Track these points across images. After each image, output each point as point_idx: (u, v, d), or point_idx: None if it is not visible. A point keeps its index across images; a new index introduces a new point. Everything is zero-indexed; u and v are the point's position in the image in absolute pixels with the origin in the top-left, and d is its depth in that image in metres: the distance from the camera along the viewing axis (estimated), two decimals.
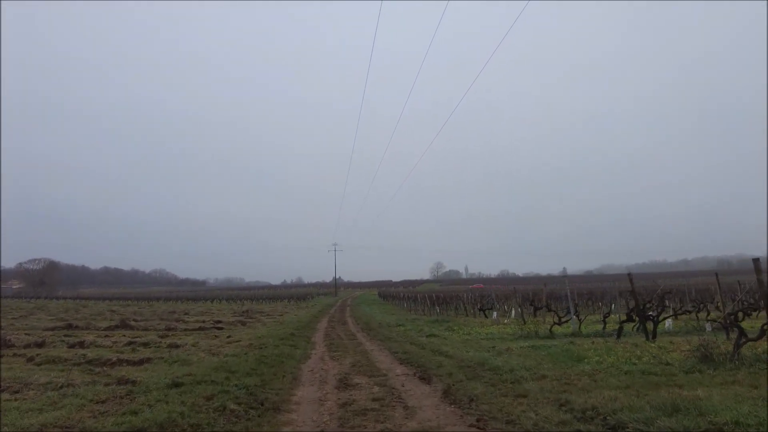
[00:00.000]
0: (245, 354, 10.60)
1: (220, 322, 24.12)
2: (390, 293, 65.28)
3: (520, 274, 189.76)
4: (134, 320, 25.44)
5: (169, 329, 19.15)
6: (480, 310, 24.30)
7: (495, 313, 25.18)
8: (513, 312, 27.13)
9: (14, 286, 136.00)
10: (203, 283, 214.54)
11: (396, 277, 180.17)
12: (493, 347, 11.66)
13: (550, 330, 14.43)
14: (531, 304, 24.79)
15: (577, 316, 14.77)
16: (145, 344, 13.06)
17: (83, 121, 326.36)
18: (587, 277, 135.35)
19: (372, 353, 11.47)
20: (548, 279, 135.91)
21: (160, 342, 13.49)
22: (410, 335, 15.63)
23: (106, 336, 15.48)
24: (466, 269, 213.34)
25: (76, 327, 19.14)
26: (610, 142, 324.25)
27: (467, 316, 27.61)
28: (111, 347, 12.57)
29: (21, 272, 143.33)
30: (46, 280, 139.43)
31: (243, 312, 34.70)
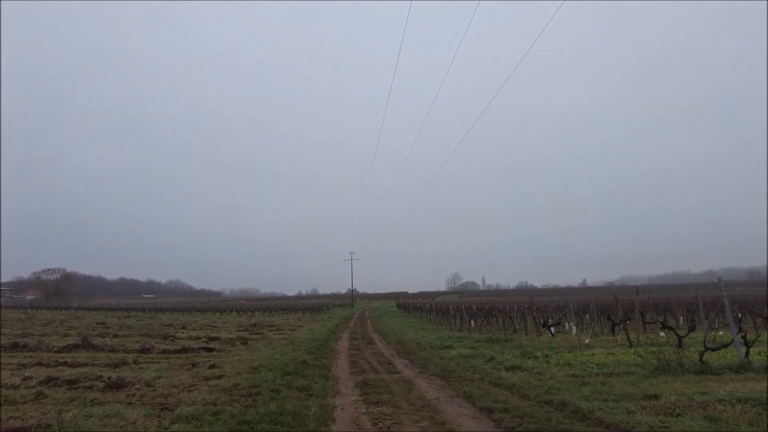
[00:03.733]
0: (214, 415, 5.70)
1: (215, 339, 19.38)
2: (411, 304, 60.08)
3: (539, 286, 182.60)
4: (114, 335, 20.88)
5: (143, 350, 14.47)
6: (544, 326, 19.09)
7: (552, 329, 20.04)
8: (574, 329, 21.96)
9: (29, 297, 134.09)
10: (218, 294, 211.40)
11: (412, 288, 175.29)
12: (656, 395, 6.59)
13: (701, 359, 9.26)
14: (609, 319, 19.53)
15: (744, 338, 9.55)
16: (73, 382, 8.26)
17: (97, 127, 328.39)
18: (610, 289, 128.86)
19: (442, 408, 6.47)
20: (568, 291, 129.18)
21: (101, 378, 8.68)
22: (477, 365, 10.57)
23: (44, 362, 10.78)
24: (483, 280, 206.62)
25: (23, 347, 14.51)
26: (632, 150, 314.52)
27: (515, 332, 22.45)
28: (15, 388, 7.80)
29: (36, 282, 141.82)
30: (61, 290, 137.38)
31: (250, 325, 29.93)
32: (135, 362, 11.26)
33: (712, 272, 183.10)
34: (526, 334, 21.28)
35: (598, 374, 9.03)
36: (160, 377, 8.92)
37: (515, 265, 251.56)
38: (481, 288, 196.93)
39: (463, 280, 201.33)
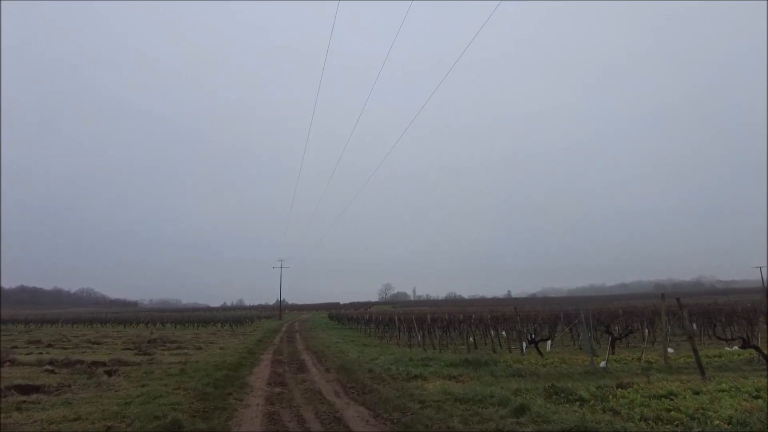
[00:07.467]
0: None
1: (74, 364, 13.43)
2: (345, 315, 54.79)
3: (467, 297, 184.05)
4: None
5: None
6: (531, 342, 14.81)
7: (524, 344, 15.92)
8: (548, 344, 18.03)
9: None
10: (135, 304, 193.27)
11: (343, 299, 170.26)
12: None
13: None
14: (607, 331, 15.69)
15: None
16: None
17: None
18: (534, 300, 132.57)
19: None
20: (494, 301, 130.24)
21: None
22: (504, 425, 5.81)
23: None
24: (414, 291, 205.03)
25: None
26: (559, 163, 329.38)
27: (476, 347, 18.24)
28: None
29: None
30: None
31: (148, 342, 23.40)
32: None
33: (624, 285, 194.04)
34: (494, 351, 17.10)
35: None
36: None
37: (443, 276, 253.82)
38: (412, 299, 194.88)
39: (395, 291, 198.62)
